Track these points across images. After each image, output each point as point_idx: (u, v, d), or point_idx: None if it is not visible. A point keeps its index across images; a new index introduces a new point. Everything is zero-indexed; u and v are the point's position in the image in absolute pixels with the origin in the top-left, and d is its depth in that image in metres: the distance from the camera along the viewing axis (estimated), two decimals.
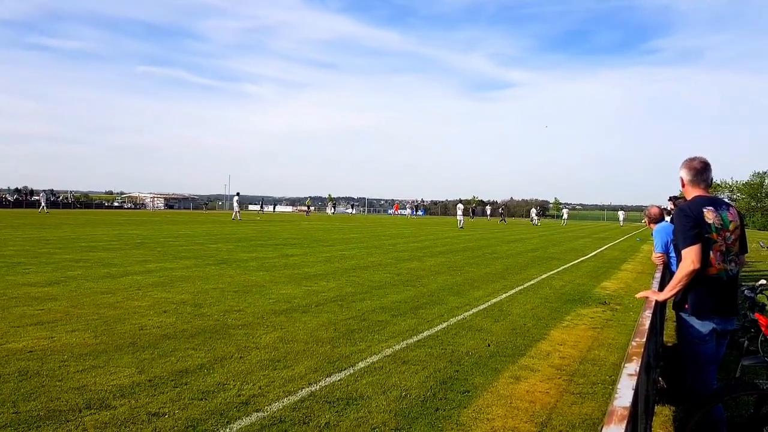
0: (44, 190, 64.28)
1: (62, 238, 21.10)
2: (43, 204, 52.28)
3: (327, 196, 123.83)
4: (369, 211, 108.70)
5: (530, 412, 4.75)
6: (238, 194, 46.82)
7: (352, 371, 5.60)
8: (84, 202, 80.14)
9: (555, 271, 15.01)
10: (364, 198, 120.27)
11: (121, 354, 5.86)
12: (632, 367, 2.15)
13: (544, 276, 13.78)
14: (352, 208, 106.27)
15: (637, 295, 5.57)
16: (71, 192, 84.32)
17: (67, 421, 4.14)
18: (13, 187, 77.07)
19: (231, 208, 48.90)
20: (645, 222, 7.33)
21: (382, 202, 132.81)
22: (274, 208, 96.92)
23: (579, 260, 18.53)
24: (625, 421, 1.60)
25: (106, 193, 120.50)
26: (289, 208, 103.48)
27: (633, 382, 1.97)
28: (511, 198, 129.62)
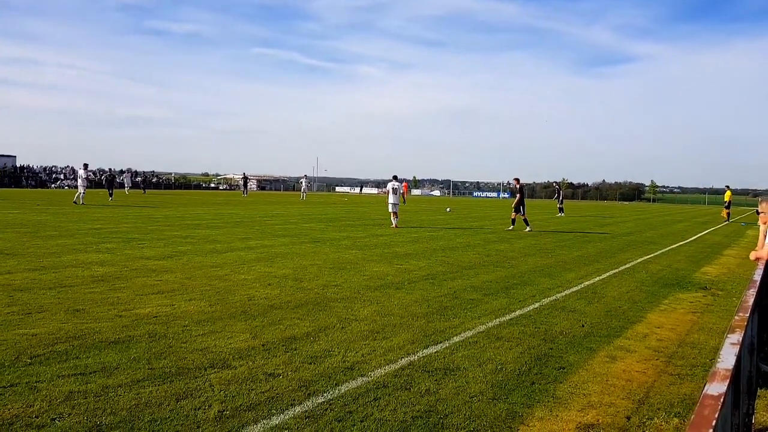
0: (129, 171, 61.36)
1: (168, 216, 22.60)
2: (127, 185, 50.53)
3: (412, 179, 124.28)
4: (454, 194, 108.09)
5: (627, 389, 4.81)
6: (305, 176, 53.26)
7: (447, 344, 5.84)
8: (183, 183, 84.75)
9: (652, 255, 14.57)
10: (449, 180, 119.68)
11: (235, 321, 6.39)
12: (735, 337, 2.25)
13: (639, 260, 13.43)
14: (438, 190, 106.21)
15: (751, 256, 5.53)
16: (173, 174, 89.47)
17: (195, 378, 4.63)
18: (117, 169, 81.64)
19: (304, 189, 52.31)
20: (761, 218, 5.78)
21: (467, 184, 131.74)
22: (360, 189, 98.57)
23: (677, 245, 17.83)
24: (728, 381, 1.74)
25: (203, 174, 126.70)
26: (375, 190, 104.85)
27: (735, 349, 2.08)
28: (604, 180, 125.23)
